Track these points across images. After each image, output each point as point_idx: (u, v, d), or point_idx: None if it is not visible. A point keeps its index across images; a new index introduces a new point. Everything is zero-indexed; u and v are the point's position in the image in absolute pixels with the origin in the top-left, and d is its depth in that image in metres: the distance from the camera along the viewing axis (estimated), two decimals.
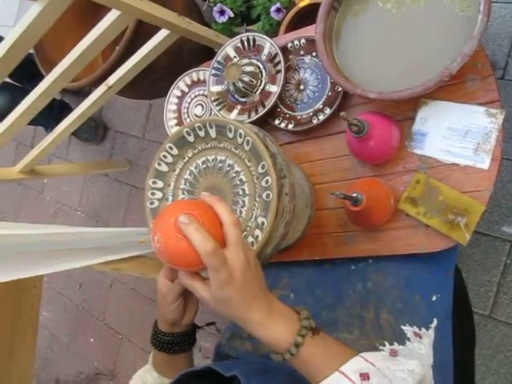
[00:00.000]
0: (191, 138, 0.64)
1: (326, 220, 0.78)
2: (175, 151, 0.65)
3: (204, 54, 1.52)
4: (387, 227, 0.71)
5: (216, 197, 0.51)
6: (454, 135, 0.67)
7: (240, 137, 0.60)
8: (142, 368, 0.75)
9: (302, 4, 1.04)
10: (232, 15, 1.26)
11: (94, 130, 2.08)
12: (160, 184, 0.67)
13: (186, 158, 0.66)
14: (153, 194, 0.66)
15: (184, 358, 0.71)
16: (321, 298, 0.76)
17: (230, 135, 0.60)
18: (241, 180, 0.61)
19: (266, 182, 0.57)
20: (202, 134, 0.63)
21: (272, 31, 1.31)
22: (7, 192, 2.52)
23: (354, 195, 0.63)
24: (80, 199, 2.20)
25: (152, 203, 0.66)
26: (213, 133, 0.62)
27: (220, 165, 0.63)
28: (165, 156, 0.65)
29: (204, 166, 0.64)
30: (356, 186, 0.68)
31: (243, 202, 0.60)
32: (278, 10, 1.21)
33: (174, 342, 0.68)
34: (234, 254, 0.47)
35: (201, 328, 0.73)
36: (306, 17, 1.13)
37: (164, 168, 0.66)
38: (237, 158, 0.61)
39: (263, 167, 0.57)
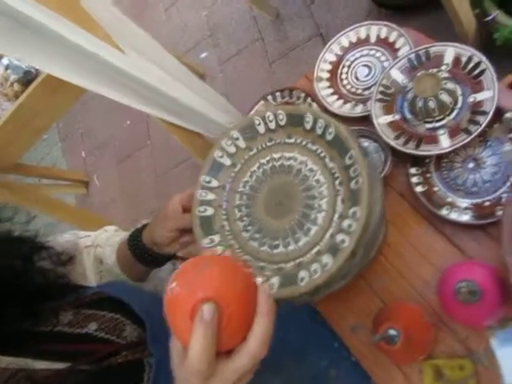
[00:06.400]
0: (261, 129, 0.56)
1: (355, 292, 0.67)
2: (242, 143, 0.57)
3: None
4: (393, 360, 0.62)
5: (270, 309, 0.38)
6: None
7: (320, 128, 0.52)
8: (113, 233, 0.72)
9: None
10: None
11: None
12: (215, 183, 0.57)
13: (247, 157, 0.57)
14: (205, 193, 0.57)
15: (141, 269, 0.67)
16: (288, 342, 0.70)
17: (308, 126, 0.53)
18: (317, 181, 0.52)
19: (354, 170, 0.48)
20: (272, 125, 0.56)
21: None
22: None
23: (392, 333, 0.52)
24: (210, 7, 2.03)
25: (204, 211, 0.56)
26: (283, 123, 0.55)
27: (289, 163, 0.55)
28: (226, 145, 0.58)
29: (270, 165, 0.56)
30: (397, 316, 0.56)
31: (319, 205, 0.51)
32: None
33: (143, 257, 0.64)
34: (225, 375, 0.37)
35: (177, 259, 0.69)
36: None
37: (226, 161, 0.58)
38: (312, 156, 0.54)
39: (351, 158, 0.49)
